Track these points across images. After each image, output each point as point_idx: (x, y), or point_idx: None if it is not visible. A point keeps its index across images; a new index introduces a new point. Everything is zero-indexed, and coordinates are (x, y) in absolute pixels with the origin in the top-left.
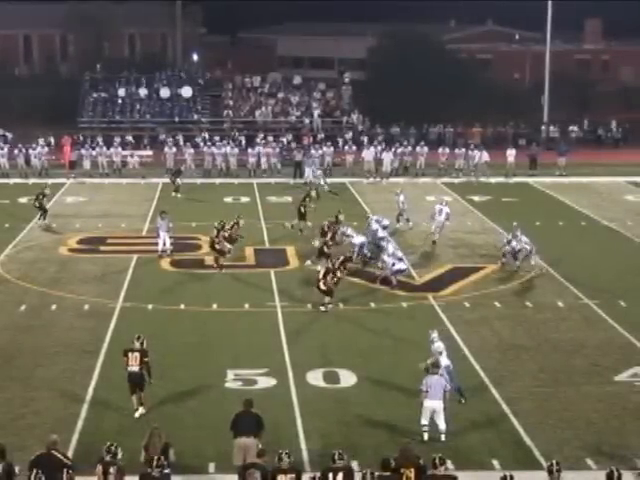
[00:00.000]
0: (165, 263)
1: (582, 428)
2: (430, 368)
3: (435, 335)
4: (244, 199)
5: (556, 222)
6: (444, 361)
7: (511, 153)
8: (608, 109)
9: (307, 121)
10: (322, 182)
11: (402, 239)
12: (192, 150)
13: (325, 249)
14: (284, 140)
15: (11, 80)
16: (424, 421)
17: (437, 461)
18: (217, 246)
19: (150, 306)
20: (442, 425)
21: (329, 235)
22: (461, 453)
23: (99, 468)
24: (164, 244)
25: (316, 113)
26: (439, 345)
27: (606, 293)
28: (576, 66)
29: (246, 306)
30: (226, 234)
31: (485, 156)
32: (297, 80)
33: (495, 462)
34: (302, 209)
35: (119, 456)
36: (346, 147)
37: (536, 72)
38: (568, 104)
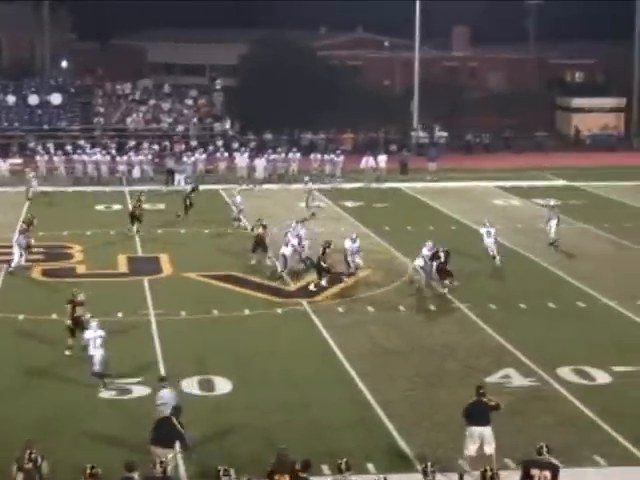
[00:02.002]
0: (37, 273)
1: (456, 430)
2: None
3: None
4: (116, 207)
5: (427, 227)
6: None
7: (382, 159)
8: (476, 115)
9: (180, 128)
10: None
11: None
12: (63, 157)
13: (322, 264)
14: (156, 147)
15: None
16: None
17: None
18: None
19: (21, 316)
20: None
21: (321, 250)
22: (336, 457)
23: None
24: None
25: (194, 120)
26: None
27: (477, 297)
28: (445, 73)
29: (119, 315)
30: None
31: (383, 160)
32: (168, 87)
33: (370, 466)
34: (187, 201)
35: None
36: (218, 154)
37: (406, 78)
38: (437, 110)
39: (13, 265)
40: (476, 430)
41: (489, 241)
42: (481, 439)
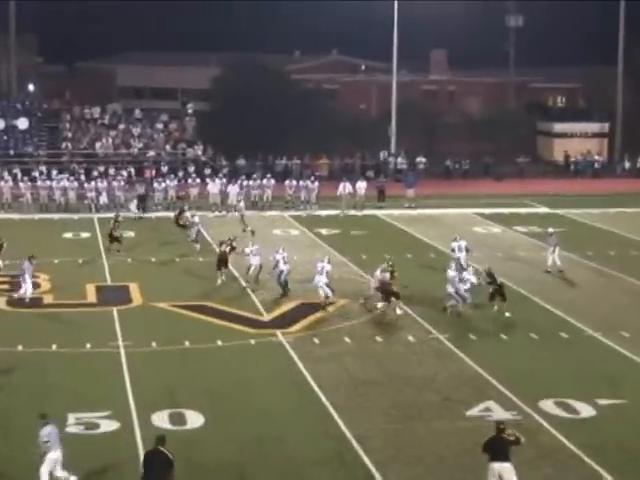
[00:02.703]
0: (1, 303)
1: (434, 465)
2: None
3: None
4: (84, 234)
5: (405, 254)
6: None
7: (361, 185)
8: (455, 140)
9: (151, 153)
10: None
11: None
12: (30, 184)
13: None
14: (124, 173)
15: None
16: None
17: None
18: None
19: None
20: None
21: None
22: None
23: None
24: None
25: (167, 146)
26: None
27: (456, 326)
28: (423, 97)
29: (87, 346)
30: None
31: (362, 187)
32: (139, 111)
33: None
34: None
35: None
36: (190, 180)
37: (383, 102)
38: (415, 135)
39: None
40: (495, 466)
41: (461, 255)
42: (500, 475)
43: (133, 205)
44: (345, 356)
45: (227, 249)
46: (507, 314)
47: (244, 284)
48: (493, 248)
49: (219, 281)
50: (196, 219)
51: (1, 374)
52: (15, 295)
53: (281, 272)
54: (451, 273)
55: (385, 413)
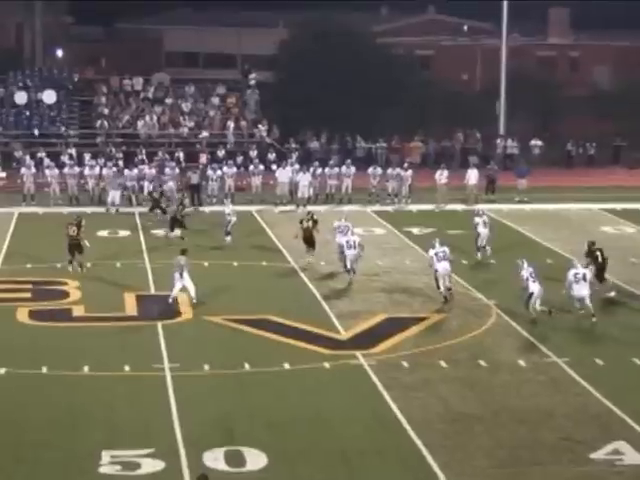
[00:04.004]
0: (23, 315)
1: None
2: None
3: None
4: (123, 232)
5: (515, 259)
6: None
7: (473, 174)
8: (577, 119)
9: (204, 134)
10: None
11: (326, 284)
12: (57, 171)
13: None
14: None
15: None
16: None
17: None
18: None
19: (2, 370)
20: None
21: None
22: None
23: None
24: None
25: (230, 124)
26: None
27: (579, 349)
28: (538, 65)
29: (126, 369)
30: None
31: (474, 177)
32: (190, 83)
33: None
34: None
35: None
36: (251, 167)
37: (489, 72)
38: (529, 113)
39: None
40: None
41: (484, 231)
42: None
43: (116, 196)
44: (441, 384)
45: (310, 224)
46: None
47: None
48: (626, 252)
49: (307, 261)
50: (228, 209)
51: (21, 402)
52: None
53: (344, 257)
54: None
55: (490, 455)
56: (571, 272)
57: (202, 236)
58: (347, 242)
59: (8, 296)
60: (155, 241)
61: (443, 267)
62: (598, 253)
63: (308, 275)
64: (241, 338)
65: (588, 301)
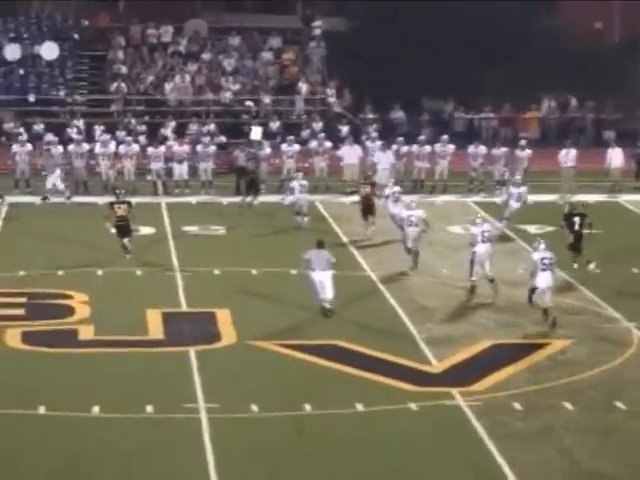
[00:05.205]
0: (13, 337)
1: None
2: None
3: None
4: (146, 230)
5: None
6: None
7: (615, 154)
8: None
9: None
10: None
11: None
12: (60, 149)
13: None
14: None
15: None
16: None
17: None
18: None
19: None
20: None
21: None
22: None
23: None
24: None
25: (303, 90)
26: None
27: None
28: None
29: (148, 410)
30: None
31: (617, 158)
32: (234, 32)
33: None
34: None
35: None
36: (315, 143)
37: (630, 20)
38: None
39: None
40: None
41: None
42: None
43: (57, 178)
44: (564, 432)
45: (368, 189)
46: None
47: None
48: None
49: (369, 232)
50: (295, 184)
51: (12, 452)
52: None
53: (405, 235)
54: None
55: None
56: None
57: (251, 233)
58: (408, 217)
59: None
60: (187, 242)
61: (545, 279)
62: (576, 219)
63: (388, 287)
64: (300, 370)
65: None
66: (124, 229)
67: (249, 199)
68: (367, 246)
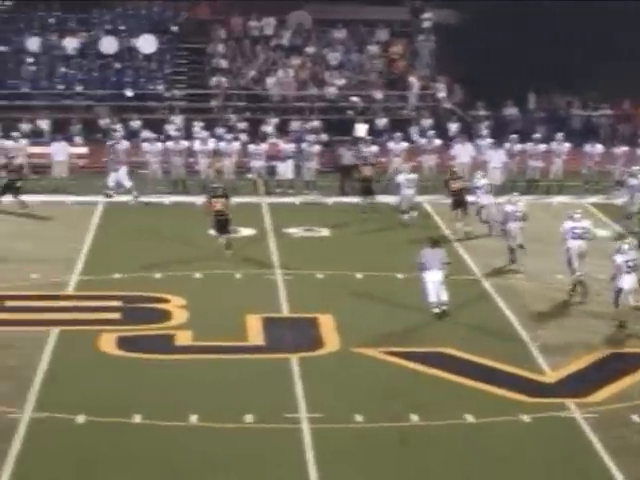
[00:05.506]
0: (108, 343)
1: None
2: None
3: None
4: (246, 231)
5: None
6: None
7: None
8: None
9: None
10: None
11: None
12: (159, 145)
13: None
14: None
15: None
16: None
17: None
18: None
19: (81, 418)
20: None
21: None
22: None
23: None
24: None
25: (415, 85)
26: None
27: None
28: None
29: (248, 419)
30: None
31: None
32: (340, 25)
33: None
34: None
35: None
36: (423, 141)
37: None
38: None
39: None
40: None
41: None
42: None
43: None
44: None
45: (459, 184)
46: None
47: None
48: None
49: (464, 231)
50: (402, 179)
51: (105, 461)
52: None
53: (506, 232)
54: None
55: None
56: None
57: (357, 235)
58: (513, 212)
59: (89, 317)
60: (289, 244)
61: (629, 281)
62: None
63: (498, 290)
64: (406, 379)
65: None
66: (223, 224)
67: (368, 201)
68: (474, 246)
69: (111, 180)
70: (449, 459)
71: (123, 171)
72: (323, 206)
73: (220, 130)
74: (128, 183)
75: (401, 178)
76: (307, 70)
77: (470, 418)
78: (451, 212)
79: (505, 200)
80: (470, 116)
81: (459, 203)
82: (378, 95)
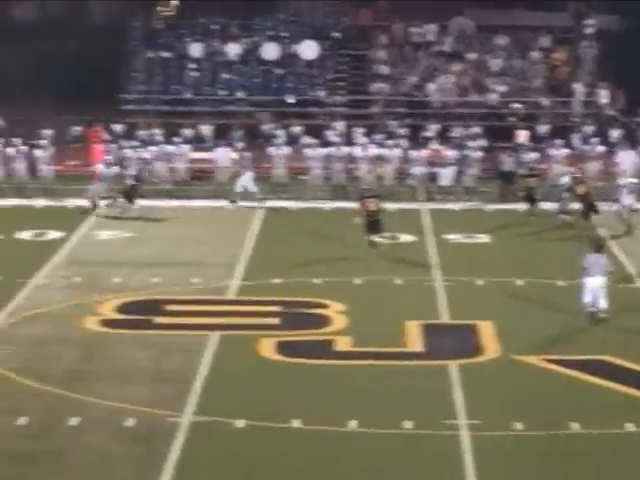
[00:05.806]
0: (268, 347)
1: None
2: None
3: None
4: (405, 237)
5: None
6: None
7: None
8: None
9: (517, 105)
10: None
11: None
12: (321, 151)
13: None
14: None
15: (6, 28)
16: None
17: None
18: None
19: (241, 422)
20: None
21: None
22: None
23: None
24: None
25: (579, 91)
26: None
27: None
28: None
29: (407, 425)
30: None
31: None
32: (502, 31)
33: None
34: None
35: None
36: (587, 147)
37: None
38: None
39: None
40: None
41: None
42: None
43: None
44: None
45: (583, 189)
46: None
47: None
48: None
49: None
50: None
51: (265, 465)
52: None
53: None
54: None
55: None
56: None
57: (518, 241)
58: None
59: (249, 322)
60: (449, 250)
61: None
62: None
63: None
64: (565, 386)
65: None
66: (375, 225)
67: (531, 208)
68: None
69: (238, 186)
70: (611, 468)
71: (248, 176)
72: (483, 212)
73: (380, 136)
74: (254, 188)
75: (624, 182)
76: (468, 76)
77: (631, 427)
78: (584, 220)
79: None
80: (634, 122)
81: (588, 207)
82: (544, 101)
